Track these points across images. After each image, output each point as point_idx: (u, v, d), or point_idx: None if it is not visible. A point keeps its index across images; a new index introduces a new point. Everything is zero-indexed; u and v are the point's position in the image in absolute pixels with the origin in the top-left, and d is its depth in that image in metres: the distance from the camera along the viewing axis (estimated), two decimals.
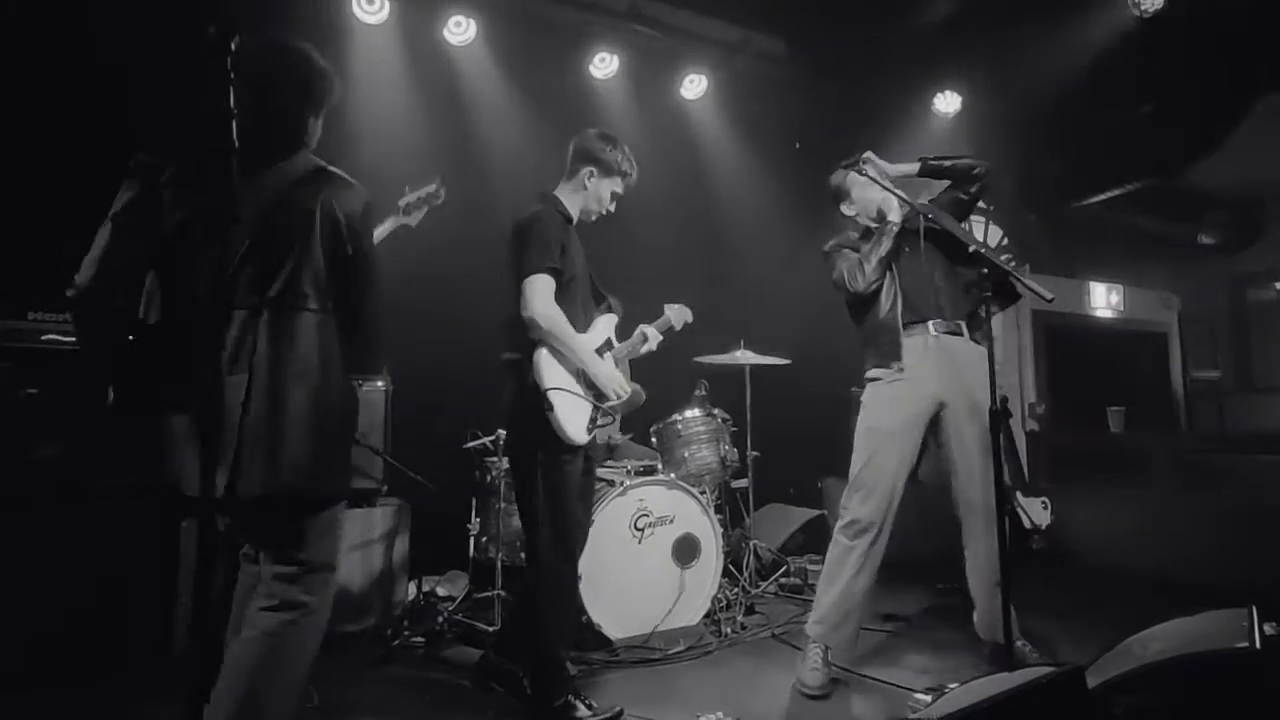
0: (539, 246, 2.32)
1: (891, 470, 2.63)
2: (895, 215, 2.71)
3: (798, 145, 5.43)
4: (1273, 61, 4.72)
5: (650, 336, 2.71)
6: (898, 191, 2.67)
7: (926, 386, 2.66)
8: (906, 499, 2.68)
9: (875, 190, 2.71)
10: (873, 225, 2.82)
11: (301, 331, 1.66)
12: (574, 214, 2.53)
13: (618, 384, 2.47)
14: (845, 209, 2.93)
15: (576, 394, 2.38)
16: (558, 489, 2.33)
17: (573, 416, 2.34)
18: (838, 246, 2.89)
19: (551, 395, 2.28)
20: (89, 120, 3.18)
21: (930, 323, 2.71)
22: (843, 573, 2.63)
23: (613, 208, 2.60)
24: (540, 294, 2.30)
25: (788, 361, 3.92)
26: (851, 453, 2.75)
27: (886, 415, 2.68)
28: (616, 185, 2.56)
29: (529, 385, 2.31)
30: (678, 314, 2.84)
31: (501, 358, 2.44)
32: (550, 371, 2.33)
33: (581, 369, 2.41)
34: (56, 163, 3.08)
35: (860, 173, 2.68)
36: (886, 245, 2.71)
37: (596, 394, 2.44)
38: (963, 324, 2.76)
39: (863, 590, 2.62)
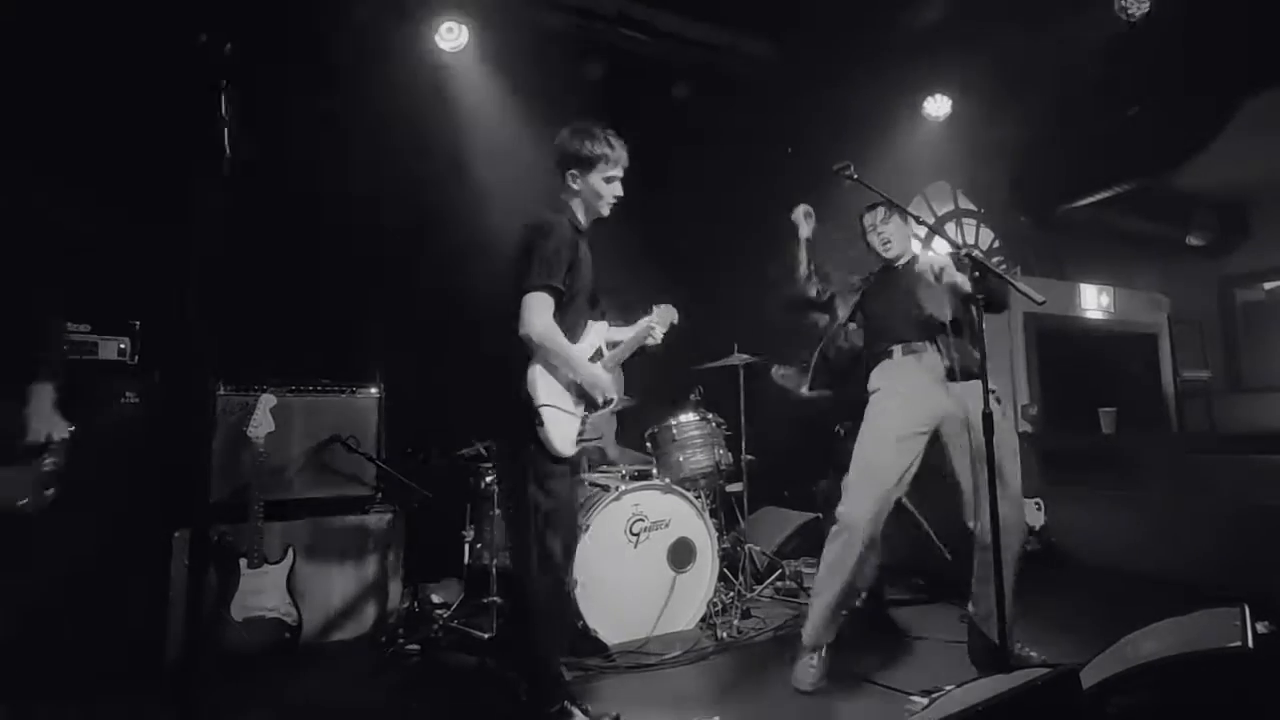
0: (541, 262, 2.24)
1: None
2: None
3: (789, 150, 5.44)
4: (1259, 63, 4.77)
5: (654, 324, 2.61)
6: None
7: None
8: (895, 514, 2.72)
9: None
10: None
11: None
12: (583, 220, 2.45)
13: (605, 388, 2.42)
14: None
15: (566, 410, 2.33)
16: (545, 499, 2.29)
17: (562, 430, 2.31)
18: None
19: (542, 411, 2.25)
20: (93, 122, 3.15)
21: None
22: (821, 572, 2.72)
23: (619, 191, 2.46)
24: (538, 311, 2.24)
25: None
26: (846, 456, 2.78)
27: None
28: (606, 172, 2.40)
29: (522, 399, 2.26)
30: (664, 314, 2.71)
31: (497, 364, 2.38)
32: (544, 386, 2.29)
33: (575, 381, 2.37)
34: (55, 165, 3.06)
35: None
36: None
37: (587, 403, 2.41)
38: None
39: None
